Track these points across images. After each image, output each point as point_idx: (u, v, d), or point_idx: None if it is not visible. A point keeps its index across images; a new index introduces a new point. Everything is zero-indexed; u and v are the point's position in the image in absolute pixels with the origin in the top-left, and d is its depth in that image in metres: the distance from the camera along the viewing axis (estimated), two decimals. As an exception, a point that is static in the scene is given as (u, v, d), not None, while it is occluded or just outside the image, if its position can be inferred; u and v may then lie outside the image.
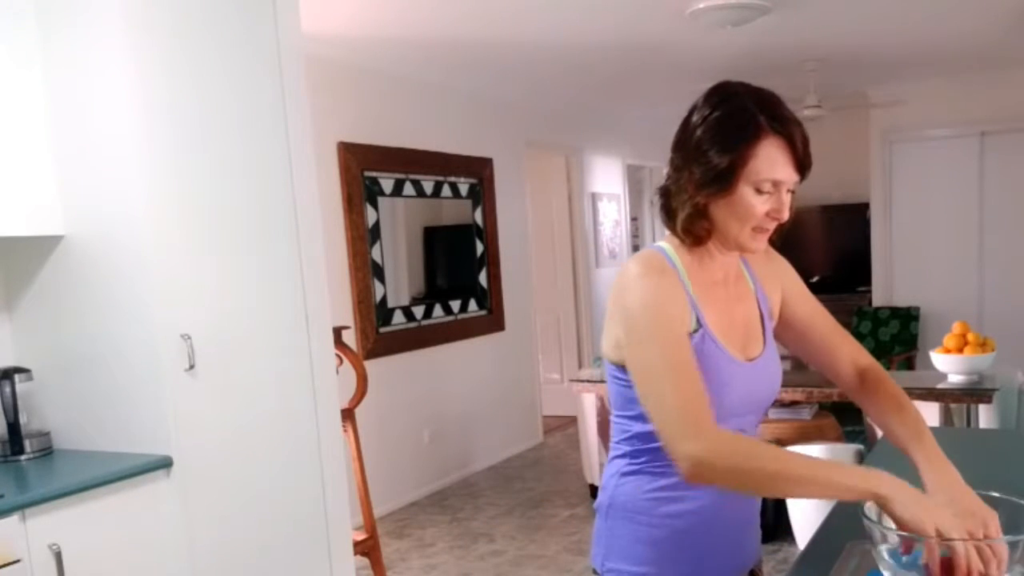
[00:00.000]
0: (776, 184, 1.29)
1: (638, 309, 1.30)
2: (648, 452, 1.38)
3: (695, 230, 1.33)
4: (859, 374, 1.50)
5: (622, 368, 1.36)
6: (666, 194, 1.37)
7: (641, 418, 1.36)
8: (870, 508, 1.18)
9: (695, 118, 1.32)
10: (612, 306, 1.37)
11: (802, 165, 1.29)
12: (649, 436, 1.35)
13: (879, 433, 1.58)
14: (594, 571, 1.49)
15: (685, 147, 1.32)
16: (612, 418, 1.45)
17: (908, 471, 1.32)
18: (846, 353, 1.51)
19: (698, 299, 1.35)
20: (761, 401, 1.44)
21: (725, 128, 1.28)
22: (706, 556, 1.40)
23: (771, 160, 1.27)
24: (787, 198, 1.31)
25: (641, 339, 1.30)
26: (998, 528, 1.16)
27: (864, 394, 1.49)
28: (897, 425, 1.39)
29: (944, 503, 1.21)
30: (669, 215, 1.37)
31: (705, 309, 1.35)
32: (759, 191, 1.28)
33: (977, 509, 1.19)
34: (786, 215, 1.32)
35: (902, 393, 1.44)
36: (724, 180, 1.28)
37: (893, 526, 1.15)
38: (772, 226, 1.33)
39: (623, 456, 1.42)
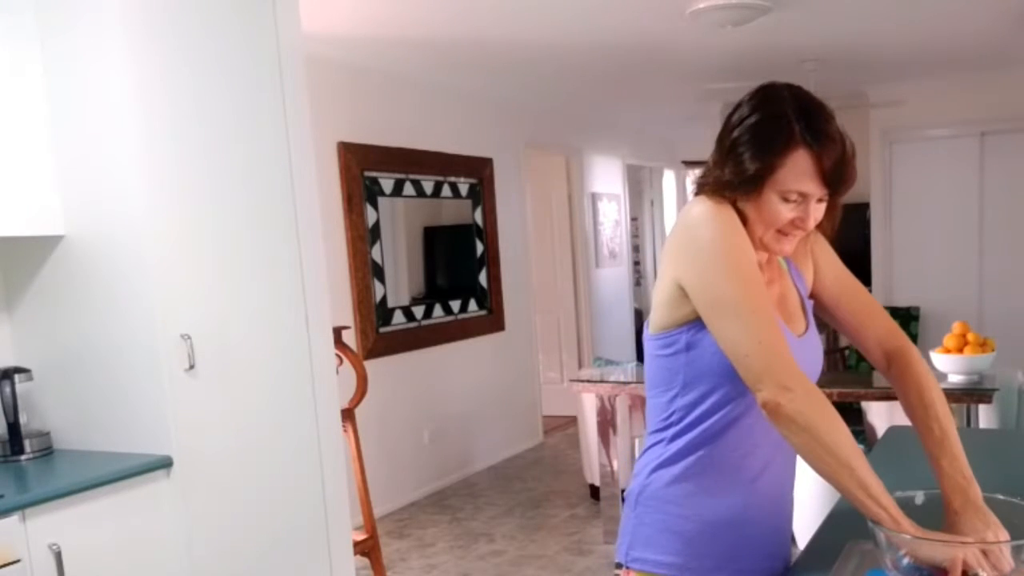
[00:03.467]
0: (803, 195, 1.28)
1: (720, 241, 1.28)
2: (687, 430, 1.36)
3: None
4: (886, 357, 1.47)
5: (671, 334, 1.34)
6: (701, 186, 1.37)
7: (684, 388, 1.35)
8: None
9: (735, 118, 1.33)
10: (674, 251, 1.34)
11: (831, 180, 1.28)
12: (691, 407, 1.34)
13: (879, 433, 1.57)
14: (618, 564, 1.45)
15: (722, 145, 1.34)
16: (649, 403, 1.43)
17: (910, 465, 1.32)
18: (873, 334, 1.47)
19: None
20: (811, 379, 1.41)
21: (758, 134, 1.29)
22: (734, 555, 1.38)
23: (797, 172, 1.26)
24: (815, 208, 1.30)
25: (725, 270, 1.27)
26: (1006, 551, 1.15)
27: (891, 378, 1.46)
28: (920, 420, 1.37)
29: (957, 522, 1.21)
30: (706, 192, 1.37)
31: None
32: (785, 199, 1.28)
33: (984, 528, 1.19)
34: (811, 226, 1.31)
35: (930, 385, 1.40)
36: (751, 185, 1.29)
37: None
38: (798, 233, 1.32)
39: (660, 443, 1.40)
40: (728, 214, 1.31)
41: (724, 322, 1.26)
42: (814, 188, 1.28)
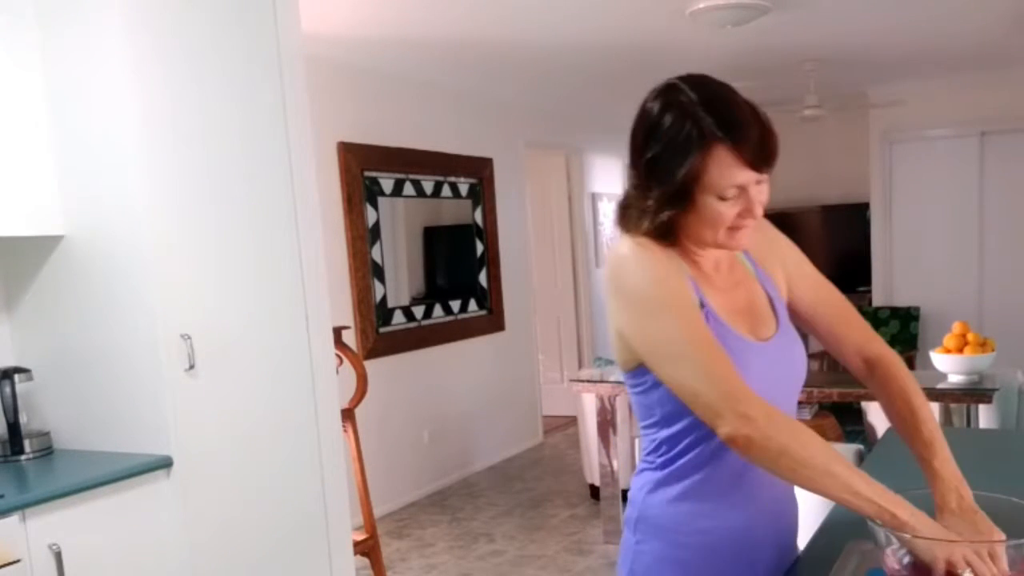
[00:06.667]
0: (739, 187, 1.22)
1: (642, 284, 1.26)
2: (677, 458, 1.33)
3: (662, 236, 1.29)
4: (867, 365, 1.42)
5: (635, 374, 1.32)
6: (626, 207, 1.31)
7: (664, 422, 1.32)
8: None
9: (641, 134, 1.27)
10: (611, 299, 1.31)
11: (759, 163, 1.22)
12: (676, 439, 1.32)
13: (879, 433, 1.56)
14: None
15: (638, 169, 1.27)
16: (639, 430, 1.41)
17: (911, 465, 1.32)
18: (852, 342, 1.42)
19: (696, 279, 1.31)
20: (786, 389, 1.36)
21: (671, 144, 1.22)
22: None
23: (723, 168, 1.20)
24: (758, 193, 1.24)
25: (653, 314, 1.24)
26: (1001, 551, 1.13)
27: (874, 387, 1.42)
28: (908, 423, 1.33)
29: (952, 523, 1.19)
30: (630, 224, 1.31)
31: (704, 289, 1.31)
32: (723, 198, 1.23)
33: (985, 531, 1.18)
34: (759, 211, 1.25)
35: (916, 389, 1.36)
36: (682, 198, 1.23)
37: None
38: (749, 223, 1.26)
39: (652, 468, 1.37)
40: (647, 253, 1.27)
41: (668, 366, 1.24)
42: (746, 177, 1.22)
